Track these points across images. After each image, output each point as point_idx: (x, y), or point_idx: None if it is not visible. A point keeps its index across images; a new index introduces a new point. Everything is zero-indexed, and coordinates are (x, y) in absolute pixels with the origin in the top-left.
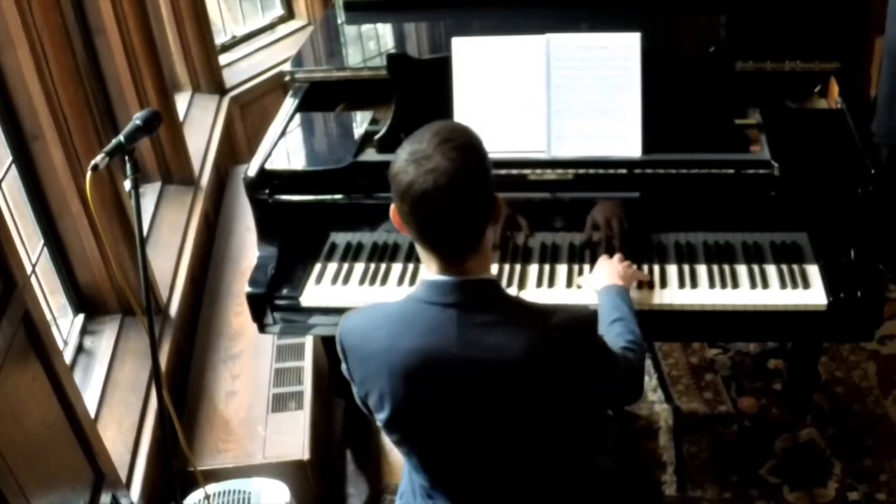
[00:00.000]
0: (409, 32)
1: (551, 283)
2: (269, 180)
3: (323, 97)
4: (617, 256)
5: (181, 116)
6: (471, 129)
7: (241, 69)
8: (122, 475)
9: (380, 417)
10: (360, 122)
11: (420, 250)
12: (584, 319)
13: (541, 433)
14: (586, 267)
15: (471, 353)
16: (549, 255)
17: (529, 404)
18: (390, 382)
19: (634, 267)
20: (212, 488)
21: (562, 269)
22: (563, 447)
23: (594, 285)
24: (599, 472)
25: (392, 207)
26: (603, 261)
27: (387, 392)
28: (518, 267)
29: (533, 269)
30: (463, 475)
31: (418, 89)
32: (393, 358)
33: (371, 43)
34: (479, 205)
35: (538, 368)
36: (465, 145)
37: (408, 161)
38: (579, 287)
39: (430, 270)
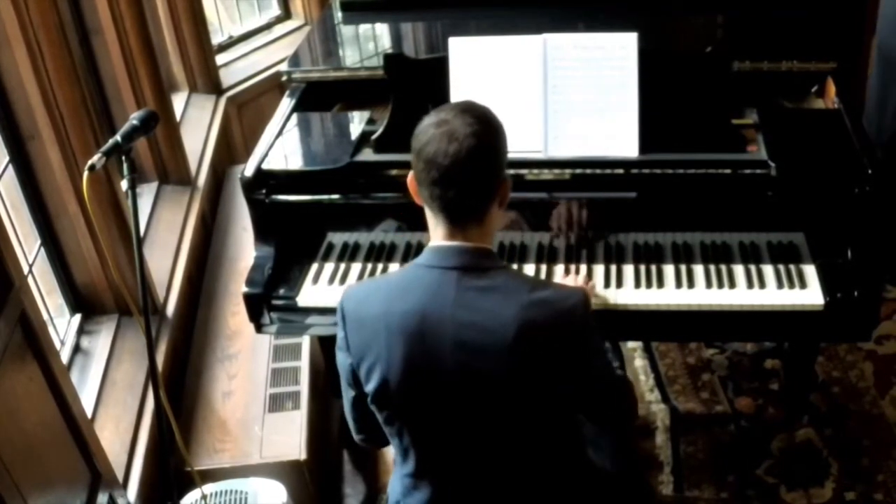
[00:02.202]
0: (406, 32)
1: None
2: (265, 180)
3: (320, 97)
4: (573, 276)
5: (178, 116)
6: (494, 113)
7: (237, 69)
8: (119, 475)
9: (369, 388)
10: (357, 123)
11: (428, 216)
12: (576, 294)
13: (529, 412)
14: (583, 267)
15: (465, 315)
16: (546, 255)
17: (517, 374)
18: (386, 344)
19: (593, 282)
20: (209, 488)
21: (559, 269)
22: (555, 437)
23: None
24: (593, 470)
25: (410, 175)
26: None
27: (381, 355)
28: (514, 267)
29: (530, 269)
30: (450, 456)
31: (415, 89)
32: (390, 320)
33: (368, 43)
34: (487, 172)
35: (526, 336)
36: (485, 118)
37: (429, 124)
38: None
39: (435, 238)
